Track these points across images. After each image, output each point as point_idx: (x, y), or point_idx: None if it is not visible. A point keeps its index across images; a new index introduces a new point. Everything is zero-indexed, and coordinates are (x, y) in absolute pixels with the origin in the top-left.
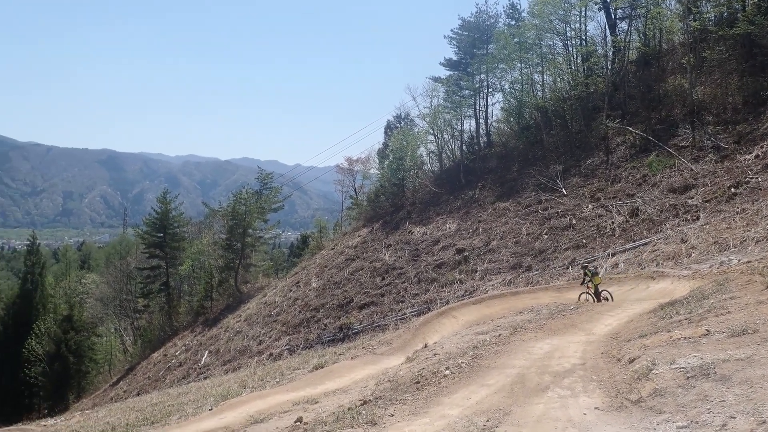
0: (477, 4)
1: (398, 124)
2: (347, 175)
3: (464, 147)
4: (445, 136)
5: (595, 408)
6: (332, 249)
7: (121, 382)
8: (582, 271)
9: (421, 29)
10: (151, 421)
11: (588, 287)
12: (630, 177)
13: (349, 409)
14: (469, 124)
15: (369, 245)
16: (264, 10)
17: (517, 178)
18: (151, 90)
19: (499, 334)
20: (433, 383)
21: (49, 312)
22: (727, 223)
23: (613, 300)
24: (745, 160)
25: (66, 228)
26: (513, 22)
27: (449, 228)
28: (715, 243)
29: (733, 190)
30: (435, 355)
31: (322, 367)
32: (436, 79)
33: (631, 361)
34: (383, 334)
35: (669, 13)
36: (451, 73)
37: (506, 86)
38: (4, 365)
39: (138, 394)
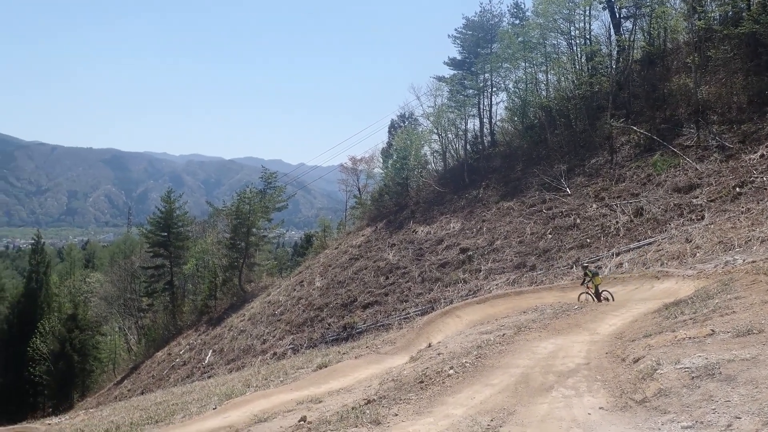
0: (481, 4)
1: (402, 124)
2: (351, 175)
3: (468, 146)
4: (449, 135)
5: (600, 408)
6: (336, 248)
7: (126, 381)
8: (582, 272)
9: (425, 29)
10: (155, 420)
11: (588, 287)
12: (634, 176)
13: (353, 408)
14: (473, 124)
15: (373, 245)
16: (268, 10)
17: (521, 177)
18: (155, 89)
19: (503, 334)
20: (437, 383)
21: (53, 311)
22: (732, 222)
23: (614, 300)
24: (750, 159)
25: (70, 227)
26: (517, 22)
27: (453, 227)
28: (719, 243)
29: (738, 189)
30: (439, 354)
31: (326, 367)
32: (440, 79)
33: (636, 361)
34: (387, 333)
35: (674, 12)
36: (455, 72)
37: (510, 85)
38: (9, 364)
39: (142, 393)
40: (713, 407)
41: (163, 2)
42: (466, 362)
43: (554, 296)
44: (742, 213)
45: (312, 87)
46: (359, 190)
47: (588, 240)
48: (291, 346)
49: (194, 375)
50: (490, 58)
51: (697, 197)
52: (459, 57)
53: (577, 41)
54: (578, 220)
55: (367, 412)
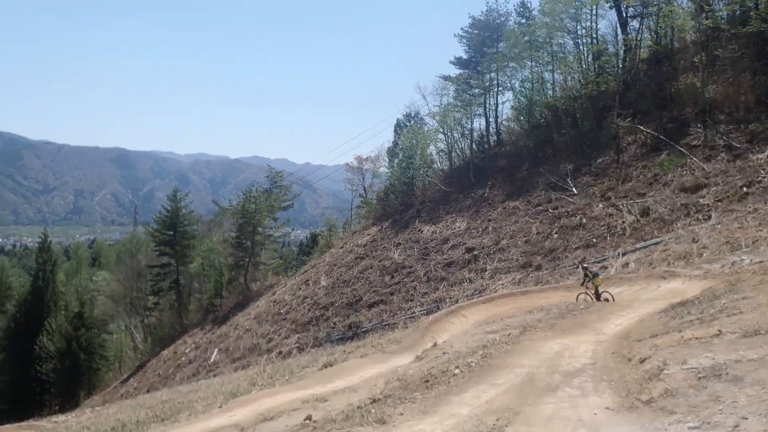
0: (488, 3)
1: (408, 123)
2: (357, 174)
3: (474, 146)
4: (455, 134)
5: (606, 408)
6: (341, 247)
7: (132, 379)
8: (583, 272)
9: (431, 28)
10: (161, 418)
11: (588, 288)
12: (641, 176)
13: (358, 407)
14: (479, 123)
15: (378, 244)
16: (274, 9)
17: (527, 177)
18: (161, 88)
19: (509, 334)
20: (443, 382)
21: (60, 309)
22: (739, 222)
23: (614, 300)
24: (757, 159)
25: (77, 226)
26: (523, 21)
27: (459, 227)
28: (727, 243)
29: (745, 189)
30: (444, 354)
31: (332, 366)
32: (446, 78)
33: (642, 361)
34: (392, 332)
35: (681, 11)
36: (461, 71)
37: (516, 85)
38: (16, 362)
39: (148, 392)
40: (720, 408)
41: (168, 2)
42: (471, 362)
43: (560, 296)
44: (749, 213)
45: (317, 86)
46: (365, 189)
47: (594, 240)
48: (296, 344)
49: (200, 373)
50: (496, 57)
51: (704, 197)
52: (465, 56)
53: (584, 40)
54: (584, 220)
55: (373, 411)
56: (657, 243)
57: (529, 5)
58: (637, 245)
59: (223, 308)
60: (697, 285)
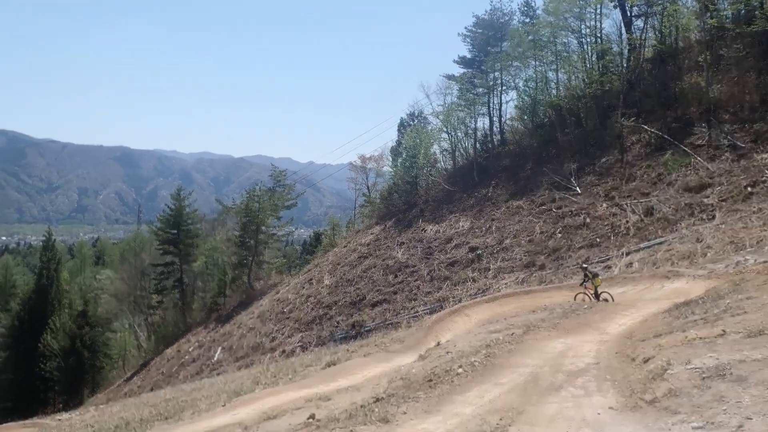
0: (492, 2)
1: (411, 122)
2: (360, 173)
3: (478, 145)
4: (459, 134)
5: (610, 408)
6: (345, 246)
7: (135, 378)
8: (582, 273)
9: (435, 27)
10: (165, 416)
11: (587, 288)
12: (645, 176)
13: (361, 406)
14: (482, 122)
15: (382, 243)
16: (277, 8)
17: (531, 176)
18: (165, 87)
19: (513, 333)
20: (446, 381)
21: (64, 307)
22: (743, 222)
23: (613, 301)
24: (762, 159)
25: (81, 224)
26: (527, 20)
27: (462, 226)
28: (731, 243)
29: (749, 189)
30: (448, 353)
31: (335, 365)
32: (449, 77)
33: (646, 360)
34: (396, 331)
35: (685, 10)
36: (465, 70)
37: (520, 84)
38: (20, 360)
39: (152, 390)
40: (724, 408)
41: (173, 2)
42: (475, 361)
43: (564, 295)
44: (753, 213)
45: (320, 86)
46: (368, 188)
47: (598, 239)
48: (300, 343)
49: (203, 372)
50: (500, 56)
51: (708, 197)
52: (469, 55)
53: (588, 40)
54: (588, 220)
55: (376, 410)
56: (661, 243)
57: (533, 4)
58: (641, 245)
59: (226, 307)
60: (701, 285)
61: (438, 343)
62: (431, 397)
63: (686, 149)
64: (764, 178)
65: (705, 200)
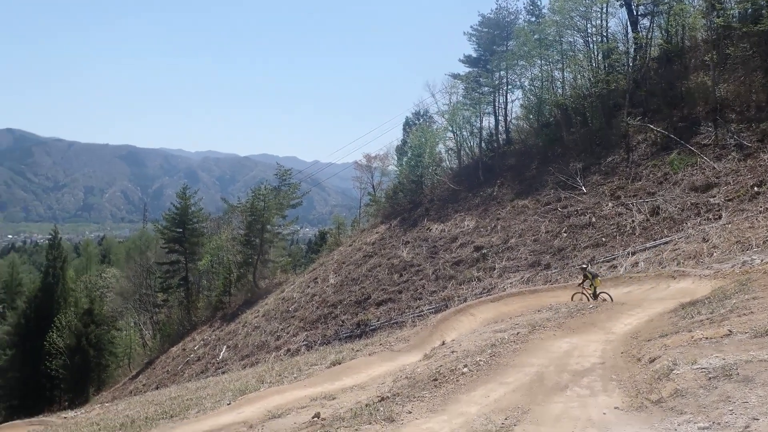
0: (497, 1)
1: (417, 121)
2: (365, 172)
3: (483, 144)
4: (464, 133)
5: (615, 407)
6: (350, 245)
7: (141, 376)
8: (582, 273)
9: (440, 26)
10: (170, 414)
11: (586, 288)
12: (651, 175)
13: (366, 405)
14: (488, 121)
15: (387, 242)
16: (282, 6)
17: (537, 175)
18: (171, 86)
19: (518, 332)
20: (451, 381)
21: (70, 305)
22: (749, 222)
23: (612, 301)
24: None
25: (87, 223)
26: (533, 19)
27: (467, 225)
28: (737, 242)
29: (756, 188)
30: (453, 352)
31: (340, 363)
32: (455, 76)
33: (652, 360)
34: (401, 331)
35: (692, 9)
36: (471, 69)
37: (526, 83)
38: (26, 358)
39: (157, 388)
40: (730, 408)
41: (177, 1)
42: (480, 360)
43: (569, 295)
44: (760, 213)
45: (325, 85)
46: (373, 187)
47: (603, 239)
48: (305, 342)
49: (208, 370)
50: (505, 55)
51: (715, 196)
52: (474, 54)
53: (594, 39)
54: (594, 219)
55: (381, 409)
56: (667, 242)
57: (539, 3)
58: (647, 244)
59: (231, 305)
60: (707, 285)
61: (443, 343)
62: (436, 397)
63: (692, 149)
64: None
65: (711, 200)
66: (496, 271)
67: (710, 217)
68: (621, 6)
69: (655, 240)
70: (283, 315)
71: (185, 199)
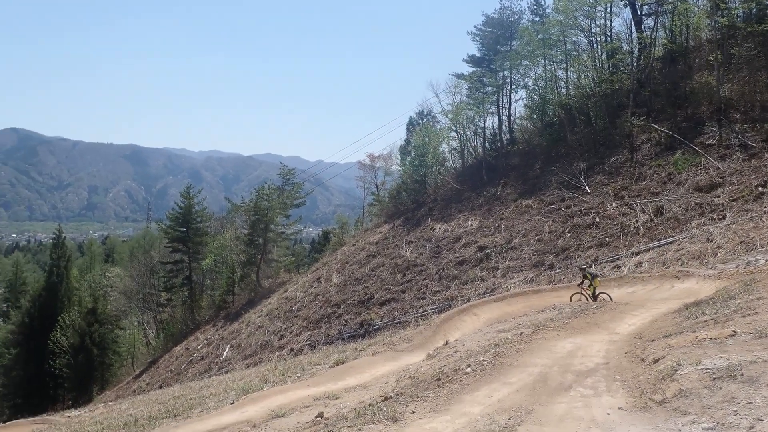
0: (501, 1)
1: (420, 121)
2: (369, 172)
3: (487, 144)
4: (468, 133)
5: (619, 408)
6: (353, 245)
7: (144, 375)
8: (581, 274)
9: (444, 26)
10: (174, 414)
11: (584, 289)
12: (655, 175)
13: (369, 405)
14: (491, 121)
15: (390, 242)
16: (286, 7)
17: (540, 175)
18: (175, 86)
19: (521, 333)
20: (455, 381)
21: (73, 304)
22: (754, 222)
23: (612, 301)
24: None
25: (91, 222)
26: (537, 19)
27: (471, 225)
28: (741, 243)
29: (760, 189)
30: (456, 352)
31: (343, 363)
32: (458, 76)
33: (656, 361)
34: (404, 330)
35: (696, 9)
36: (474, 69)
37: (530, 83)
38: (30, 357)
39: (160, 387)
40: (735, 409)
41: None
42: (483, 360)
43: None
44: (764, 213)
45: (331, 84)
46: (377, 187)
47: (607, 239)
48: (308, 342)
49: (212, 370)
50: (509, 55)
51: (719, 196)
52: (478, 54)
53: (598, 38)
54: (597, 219)
55: (384, 409)
56: (671, 242)
57: (542, 3)
58: (651, 245)
59: (235, 305)
60: (711, 285)
61: (446, 342)
62: (440, 396)
63: (696, 149)
64: None
65: (715, 200)
66: (499, 271)
67: (714, 217)
68: (625, 6)
69: (659, 240)
70: (286, 314)
71: (189, 199)
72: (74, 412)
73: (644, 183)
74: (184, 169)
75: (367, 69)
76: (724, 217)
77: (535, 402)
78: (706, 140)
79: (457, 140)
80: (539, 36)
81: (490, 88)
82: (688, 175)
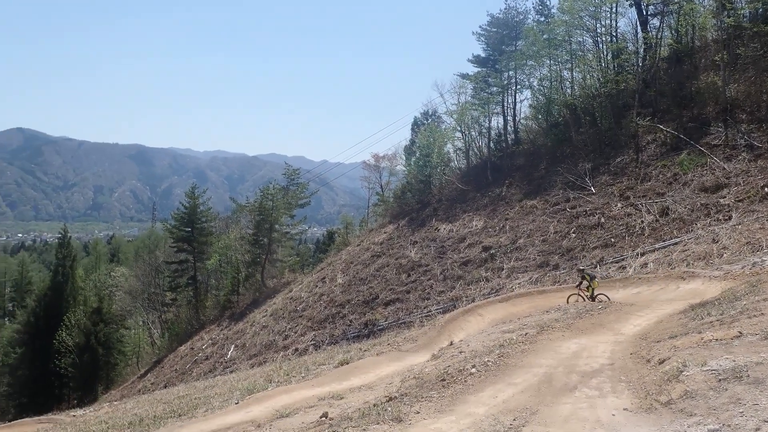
0: (506, 1)
1: (425, 121)
2: (374, 172)
3: (492, 144)
4: (473, 133)
5: (624, 409)
6: (358, 245)
7: (149, 375)
8: (580, 275)
9: (449, 26)
10: (178, 413)
11: (582, 290)
12: (660, 175)
13: (374, 405)
14: (496, 121)
15: (395, 242)
16: (291, 6)
17: (545, 175)
18: (179, 86)
19: (526, 333)
20: (459, 381)
21: (79, 304)
22: (760, 223)
23: (610, 301)
24: None
25: (96, 222)
26: (542, 19)
27: (476, 225)
28: (747, 243)
29: (766, 189)
30: (461, 352)
31: (348, 363)
32: (463, 76)
33: (661, 362)
34: (408, 331)
35: (702, 9)
36: (479, 69)
37: (535, 83)
38: (35, 356)
39: (165, 387)
40: (741, 410)
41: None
42: (488, 361)
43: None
44: None
45: (336, 85)
46: (382, 187)
47: (612, 239)
48: (312, 342)
49: (216, 369)
50: (514, 55)
51: (725, 197)
52: (483, 54)
53: (603, 38)
54: (603, 219)
55: (389, 409)
56: (676, 243)
57: (548, 3)
58: (656, 245)
59: (239, 305)
60: (716, 286)
61: (451, 343)
62: (444, 397)
63: (702, 149)
64: None
65: (721, 200)
66: (504, 272)
67: (720, 218)
68: (630, 6)
69: (664, 241)
70: (291, 314)
71: (194, 199)
72: (79, 412)
73: (650, 183)
74: (189, 169)
75: (372, 69)
76: (730, 218)
77: (539, 403)
78: (711, 141)
79: (461, 140)
80: (544, 36)
81: (495, 89)
82: (694, 176)
